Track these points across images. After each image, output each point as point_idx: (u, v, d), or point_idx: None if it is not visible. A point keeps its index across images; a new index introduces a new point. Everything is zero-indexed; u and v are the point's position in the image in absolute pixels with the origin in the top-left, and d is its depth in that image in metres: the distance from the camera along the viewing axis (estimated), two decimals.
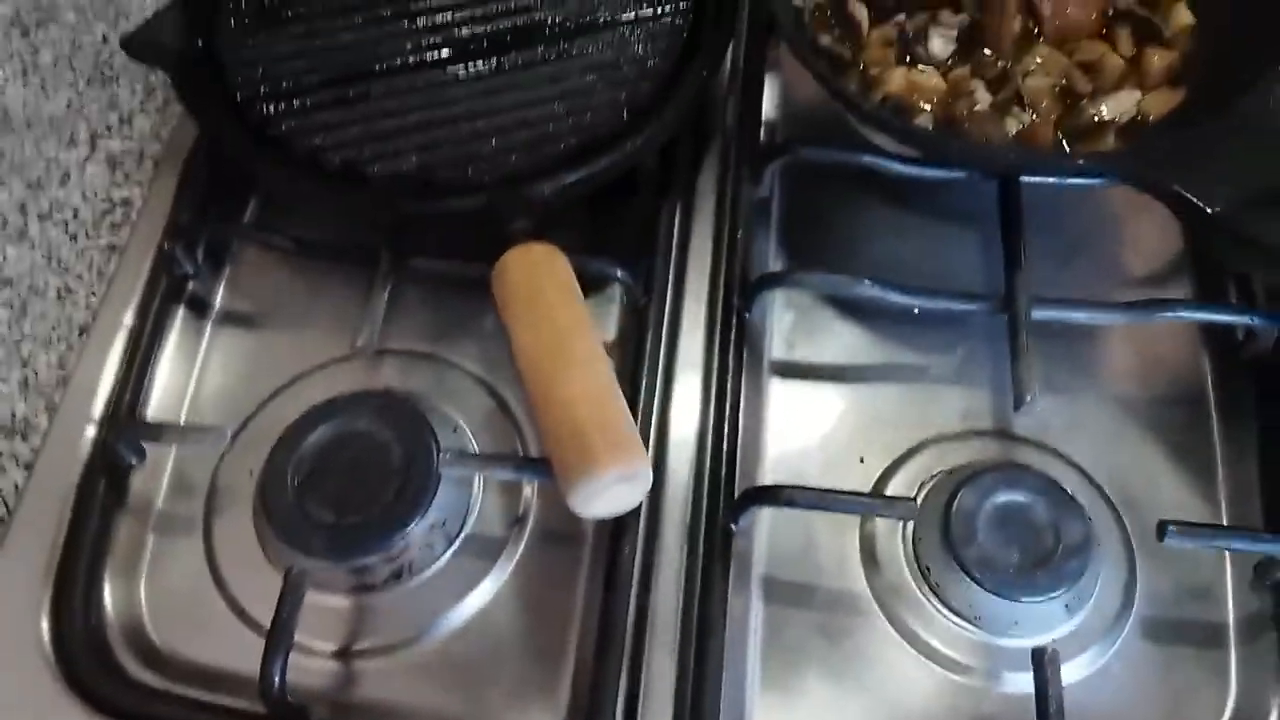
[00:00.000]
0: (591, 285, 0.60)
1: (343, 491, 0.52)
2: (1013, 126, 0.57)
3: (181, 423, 0.58)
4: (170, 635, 0.53)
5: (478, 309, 0.61)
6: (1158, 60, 0.59)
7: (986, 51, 0.61)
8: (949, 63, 0.61)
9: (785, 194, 0.64)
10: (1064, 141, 0.57)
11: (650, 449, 0.55)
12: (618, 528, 0.53)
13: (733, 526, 0.52)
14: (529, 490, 0.56)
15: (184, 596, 0.54)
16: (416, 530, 0.52)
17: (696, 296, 0.60)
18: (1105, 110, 0.58)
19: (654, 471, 0.55)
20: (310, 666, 0.52)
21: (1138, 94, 0.59)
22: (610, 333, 0.61)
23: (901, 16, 0.62)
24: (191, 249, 0.61)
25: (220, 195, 0.65)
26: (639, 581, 0.52)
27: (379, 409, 0.54)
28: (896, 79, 0.58)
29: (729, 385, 0.56)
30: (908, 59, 0.61)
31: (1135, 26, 0.61)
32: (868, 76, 0.60)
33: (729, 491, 0.53)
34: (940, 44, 0.61)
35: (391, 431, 0.53)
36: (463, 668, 0.52)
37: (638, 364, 0.57)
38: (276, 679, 0.47)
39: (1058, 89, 0.58)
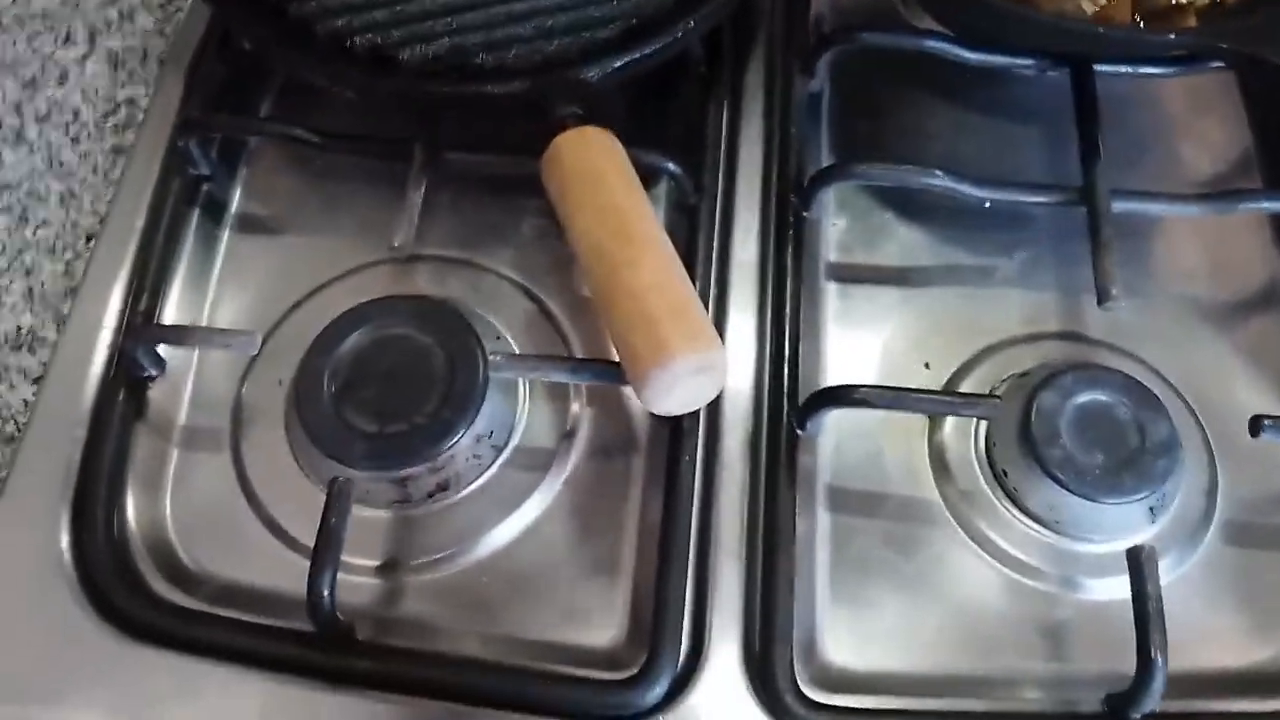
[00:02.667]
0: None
1: (384, 399, 0.49)
2: (1088, 8, 0.53)
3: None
4: (200, 553, 0.50)
5: (513, 211, 0.58)
6: None
7: None
8: None
9: (837, 90, 0.61)
10: (1141, 24, 0.53)
11: None
12: (675, 437, 0.50)
13: (800, 432, 0.49)
14: (577, 405, 0.53)
15: (213, 514, 0.50)
16: (463, 440, 0.48)
17: (748, 197, 0.56)
18: None
19: None
20: (352, 583, 0.48)
21: None
22: None
23: None
24: (206, 146, 0.57)
25: (232, 93, 0.60)
26: (701, 492, 0.49)
27: (417, 313, 0.50)
28: None
29: (788, 287, 0.53)
30: None
31: None
32: None
33: (793, 396, 0.50)
34: None
35: (432, 336, 0.50)
36: (513, 584, 0.49)
37: (689, 266, 0.53)
38: (326, 594, 0.44)
39: None
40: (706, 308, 0.53)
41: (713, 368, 0.41)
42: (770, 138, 0.58)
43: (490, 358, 0.49)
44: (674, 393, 0.41)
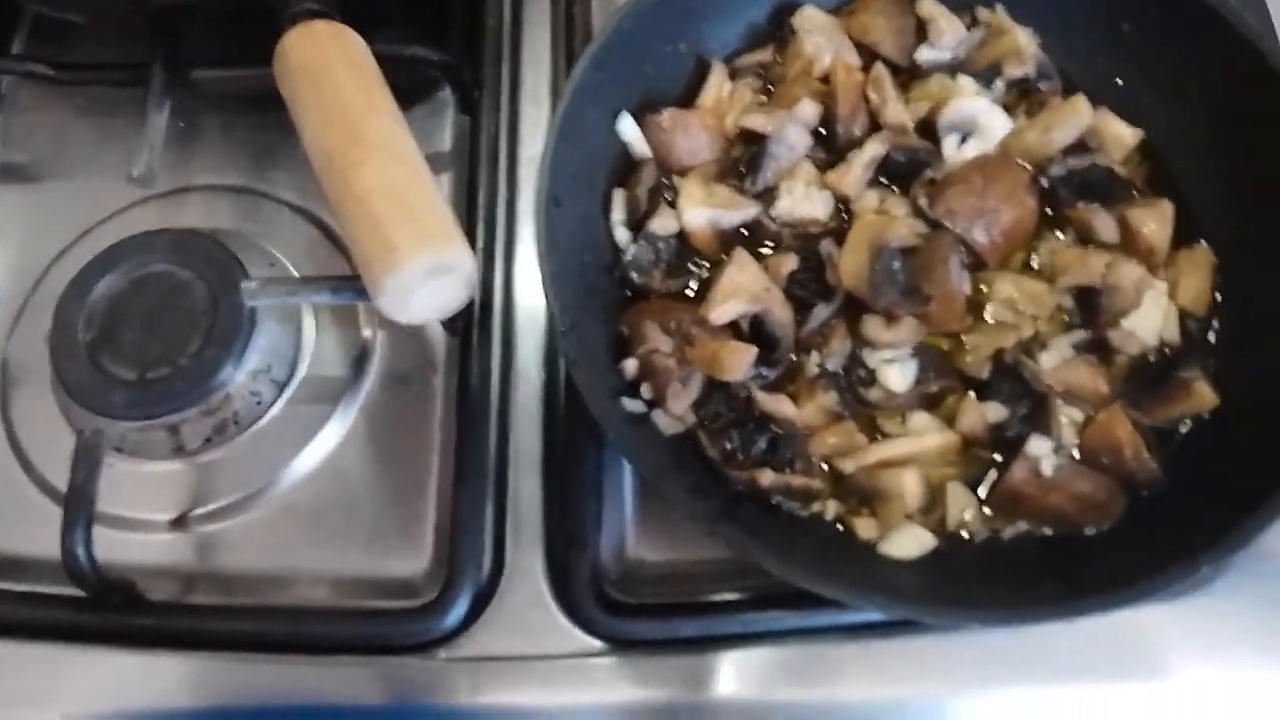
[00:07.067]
0: (417, 90, 0.53)
1: (144, 343, 0.45)
2: (1068, 428, 0.41)
3: None
4: None
5: (288, 131, 0.53)
6: (1148, 219, 0.43)
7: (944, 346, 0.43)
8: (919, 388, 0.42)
9: None
10: (1142, 415, 0.41)
11: (499, 260, 0.49)
12: (465, 350, 0.47)
13: None
14: (369, 329, 0.50)
15: None
16: (235, 377, 0.46)
17: (535, 90, 0.53)
18: (1140, 331, 0.41)
19: (504, 285, 0.49)
20: (147, 541, 0.46)
21: (1160, 283, 0.43)
22: (445, 144, 0.53)
23: (814, 357, 0.42)
24: None
25: None
26: (498, 406, 0.47)
27: (173, 247, 0.47)
28: (889, 474, 0.41)
29: None
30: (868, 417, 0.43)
31: (1088, 193, 0.44)
32: (849, 488, 0.43)
33: None
34: (897, 372, 0.42)
35: (191, 270, 0.46)
36: (315, 520, 0.47)
37: (472, 168, 0.50)
38: (81, 552, 0.41)
39: (1079, 341, 0.42)
40: (496, 211, 0.50)
41: (453, 269, 0.38)
42: (556, 22, 0.54)
43: (244, 285, 0.45)
44: (414, 298, 0.38)
